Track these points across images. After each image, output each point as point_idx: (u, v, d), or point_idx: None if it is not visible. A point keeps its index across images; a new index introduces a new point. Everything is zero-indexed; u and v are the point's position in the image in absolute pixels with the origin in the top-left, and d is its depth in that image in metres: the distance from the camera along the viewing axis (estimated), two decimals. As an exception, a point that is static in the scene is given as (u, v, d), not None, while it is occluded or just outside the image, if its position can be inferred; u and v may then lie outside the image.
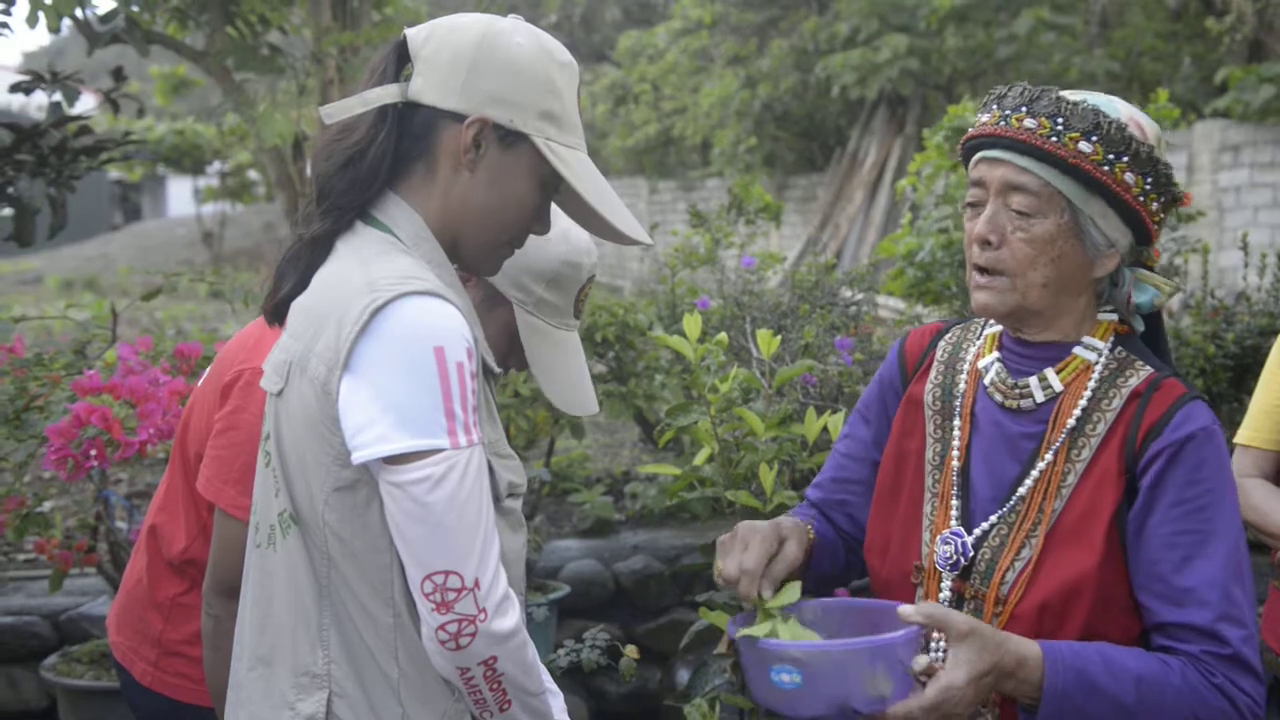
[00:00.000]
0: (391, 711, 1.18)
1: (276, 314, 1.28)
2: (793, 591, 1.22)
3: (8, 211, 2.83)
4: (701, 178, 14.23)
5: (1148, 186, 1.23)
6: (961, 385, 1.36)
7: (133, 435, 2.15)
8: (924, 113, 11.28)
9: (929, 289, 4.06)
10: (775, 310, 3.38)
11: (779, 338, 2.14)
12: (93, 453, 2.12)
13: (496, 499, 1.23)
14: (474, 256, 1.28)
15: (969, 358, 1.38)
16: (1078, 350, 1.27)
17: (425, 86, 1.20)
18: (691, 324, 2.07)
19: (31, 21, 3.30)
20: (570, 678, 2.36)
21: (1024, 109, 1.22)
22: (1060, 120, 1.20)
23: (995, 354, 1.34)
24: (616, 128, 15.45)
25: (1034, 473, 1.25)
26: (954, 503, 1.30)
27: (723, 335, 2.28)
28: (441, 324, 1.14)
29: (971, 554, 1.27)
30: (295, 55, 4.19)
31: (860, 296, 3.47)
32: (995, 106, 1.26)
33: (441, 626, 1.11)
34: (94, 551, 2.66)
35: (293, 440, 1.18)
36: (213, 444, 1.56)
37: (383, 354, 1.13)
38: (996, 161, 1.24)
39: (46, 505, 2.76)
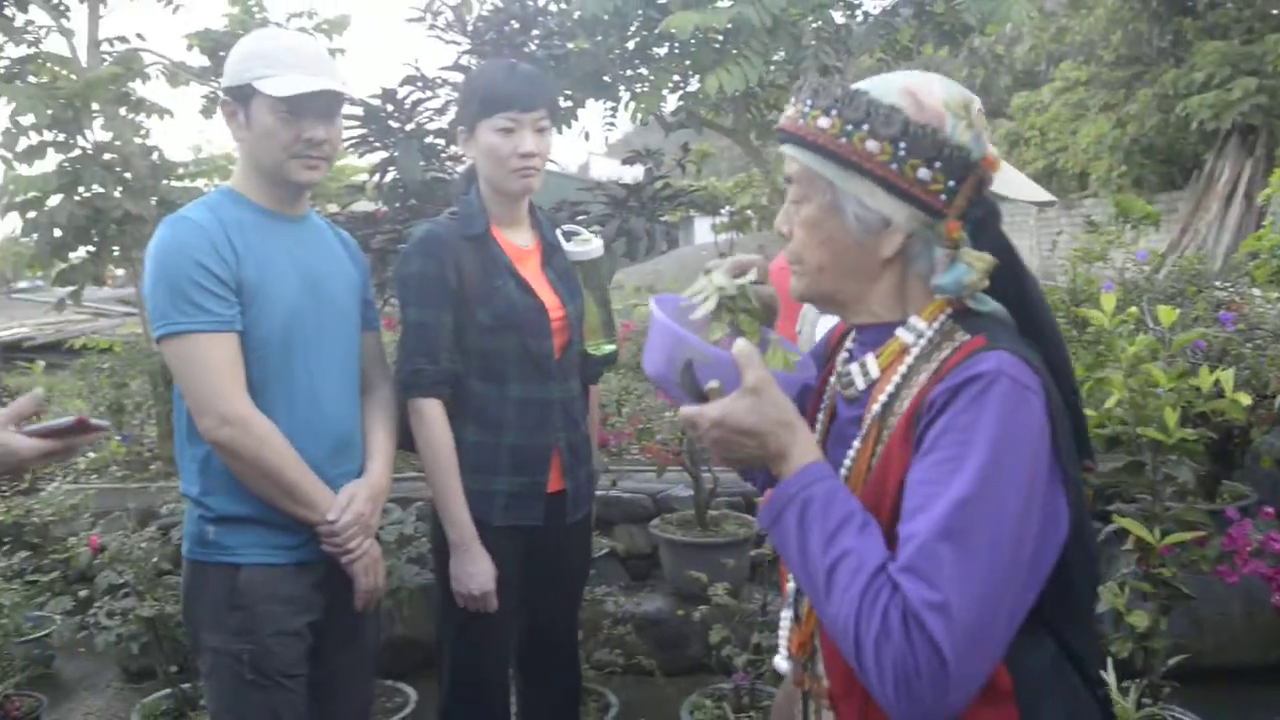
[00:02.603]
0: None
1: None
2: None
3: (622, 239, 4.46)
4: (1080, 199, 17.33)
5: (900, 153, 1.08)
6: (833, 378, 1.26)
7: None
8: (1271, 137, 13.58)
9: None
10: (1165, 293, 4.29)
11: (1177, 311, 2.74)
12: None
13: None
14: None
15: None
16: (899, 332, 1.15)
17: None
18: (1108, 300, 2.75)
19: (632, 118, 5.08)
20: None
21: (805, 101, 1.14)
22: (810, 102, 1.13)
23: (849, 343, 1.26)
24: (1013, 163, 17.34)
25: (846, 461, 1.14)
26: None
27: (1133, 309, 2.89)
28: None
29: None
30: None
31: (1229, 285, 4.29)
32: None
33: None
34: (681, 454, 4.16)
35: None
36: None
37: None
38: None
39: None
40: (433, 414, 2.11)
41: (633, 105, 5.38)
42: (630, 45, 5.42)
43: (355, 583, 1.94)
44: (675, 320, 1.18)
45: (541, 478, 2.22)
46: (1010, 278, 1.14)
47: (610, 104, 5.57)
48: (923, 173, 1.09)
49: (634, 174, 4.58)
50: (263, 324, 1.85)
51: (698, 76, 5.25)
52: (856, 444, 1.14)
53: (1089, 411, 2.30)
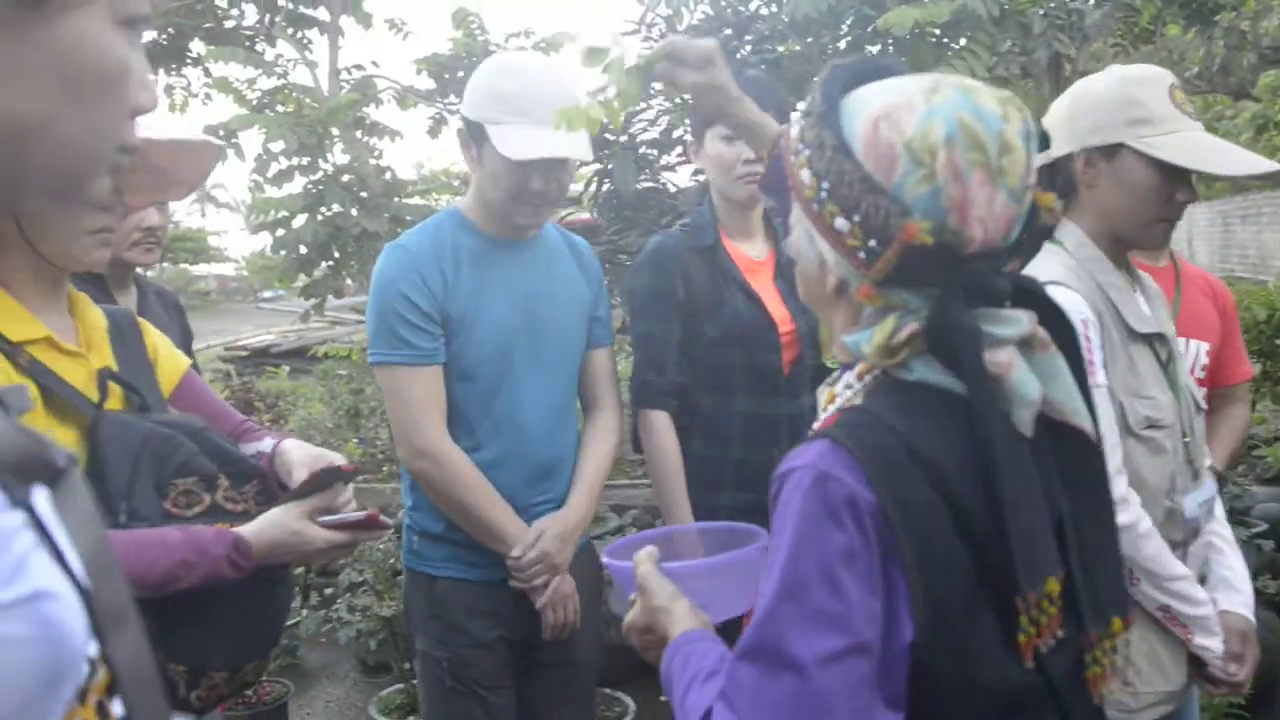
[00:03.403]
0: None
1: None
2: None
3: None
4: (1337, 177, 14.92)
5: (822, 193, 0.95)
6: None
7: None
8: None
9: None
10: None
11: None
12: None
13: (1130, 429, 1.55)
14: (1132, 240, 1.65)
15: None
16: (839, 381, 1.05)
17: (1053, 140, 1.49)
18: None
19: None
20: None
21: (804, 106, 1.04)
22: (803, 108, 1.02)
23: None
24: (1260, 149, 15.57)
25: None
26: None
27: None
28: (1061, 304, 1.35)
29: None
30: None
31: None
32: None
33: None
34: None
35: None
36: None
37: None
38: None
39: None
40: (659, 425, 2.11)
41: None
42: (842, 45, 5.28)
43: (542, 616, 1.94)
44: (620, 558, 1.26)
45: (765, 494, 2.15)
46: (966, 373, 0.92)
47: (822, 106, 5.43)
48: (839, 222, 0.94)
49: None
50: (470, 353, 1.88)
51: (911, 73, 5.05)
52: None
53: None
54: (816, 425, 1.01)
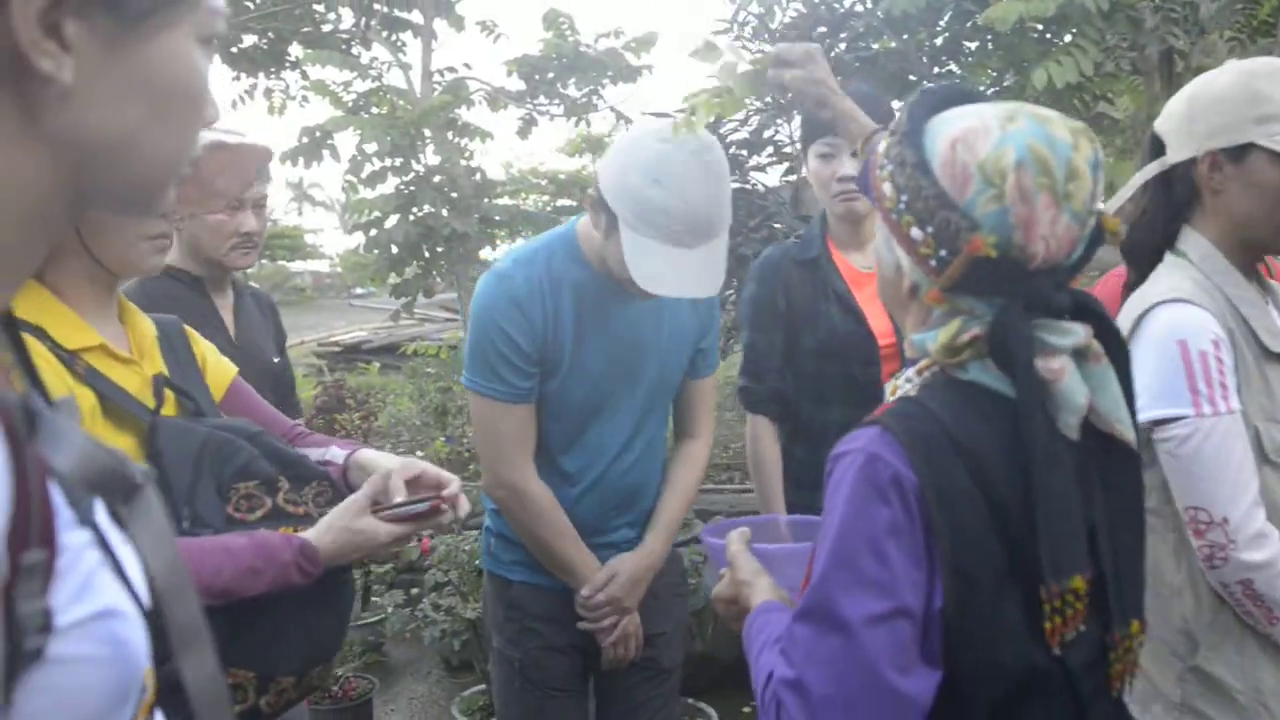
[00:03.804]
0: (1184, 604, 1.46)
1: None
2: None
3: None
4: None
5: (901, 205, 1.04)
6: None
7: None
8: None
9: None
10: None
11: None
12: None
13: (1267, 457, 1.44)
14: (1266, 247, 1.56)
15: None
16: (900, 375, 1.12)
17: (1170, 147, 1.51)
18: None
19: None
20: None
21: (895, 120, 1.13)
22: (890, 125, 1.13)
23: None
24: None
25: None
26: None
27: None
28: (1188, 323, 1.42)
29: None
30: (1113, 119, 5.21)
31: None
32: None
33: (1199, 548, 1.40)
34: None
35: None
36: None
37: (1140, 348, 1.42)
38: None
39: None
40: (758, 430, 2.21)
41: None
42: (939, 41, 5.13)
43: (603, 653, 1.93)
44: (717, 536, 1.36)
45: None
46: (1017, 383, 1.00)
47: (917, 105, 5.31)
48: (915, 232, 1.04)
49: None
50: (564, 396, 1.85)
51: (1012, 71, 4.87)
52: None
53: None
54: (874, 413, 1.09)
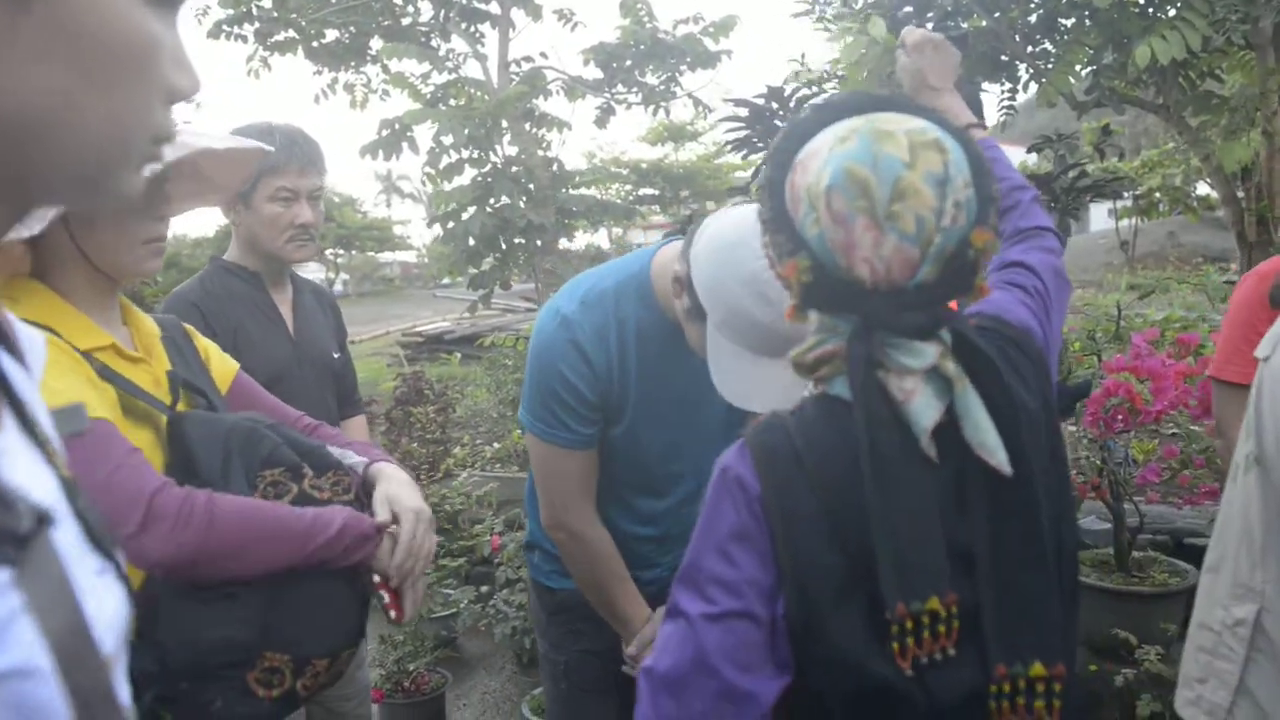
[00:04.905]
0: None
1: (1273, 299, 1.64)
2: None
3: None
4: None
5: (765, 220, 1.08)
6: None
7: (1149, 405, 2.65)
8: None
9: None
10: None
11: None
12: (1119, 417, 2.69)
13: None
14: None
15: None
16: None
17: None
18: None
19: (1039, 102, 4.54)
20: None
21: None
22: None
23: None
24: None
25: None
26: None
27: None
28: None
29: None
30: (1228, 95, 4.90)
31: None
32: None
33: None
34: (1100, 489, 3.65)
35: (1272, 399, 1.34)
36: None
37: None
38: None
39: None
40: None
41: (1034, 85, 4.83)
42: (1033, 19, 4.89)
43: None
44: None
45: None
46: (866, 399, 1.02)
47: (1009, 85, 5.05)
48: (770, 250, 1.07)
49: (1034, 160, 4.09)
50: (636, 440, 1.76)
51: (1112, 48, 4.61)
52: None
53: None
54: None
